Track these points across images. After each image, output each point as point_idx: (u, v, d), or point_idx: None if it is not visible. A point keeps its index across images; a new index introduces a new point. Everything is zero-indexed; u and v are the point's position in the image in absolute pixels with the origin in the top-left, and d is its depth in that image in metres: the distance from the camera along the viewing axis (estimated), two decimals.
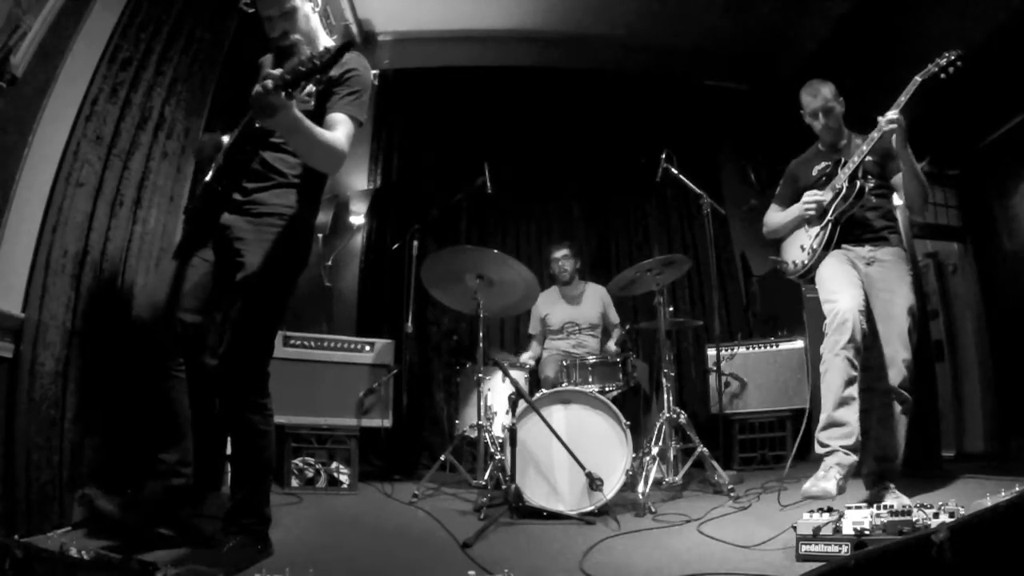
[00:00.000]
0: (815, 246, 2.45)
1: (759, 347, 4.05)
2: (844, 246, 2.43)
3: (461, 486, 3.19)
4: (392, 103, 5.01)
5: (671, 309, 3.48)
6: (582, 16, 4.68)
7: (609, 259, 5.08)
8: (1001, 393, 4.03)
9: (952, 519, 1.58)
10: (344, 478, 3.13)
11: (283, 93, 1.56)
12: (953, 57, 2.26)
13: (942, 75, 2.27)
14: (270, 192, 1.89)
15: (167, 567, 1.35)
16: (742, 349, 4.06)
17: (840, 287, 2.29)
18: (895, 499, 2.19)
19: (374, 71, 4.94)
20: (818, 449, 2.18)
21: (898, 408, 2.29)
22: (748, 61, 5.01)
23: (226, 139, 1.94)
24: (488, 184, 3.74)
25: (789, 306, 4.23)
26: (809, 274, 2.49)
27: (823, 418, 2.19)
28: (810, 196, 2.49)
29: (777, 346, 4.01)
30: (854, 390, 2.16)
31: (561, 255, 3.98)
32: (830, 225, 2.42)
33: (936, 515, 1.63)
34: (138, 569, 1.29)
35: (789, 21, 4.49)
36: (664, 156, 3.57)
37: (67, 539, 1.79)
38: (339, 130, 1.82)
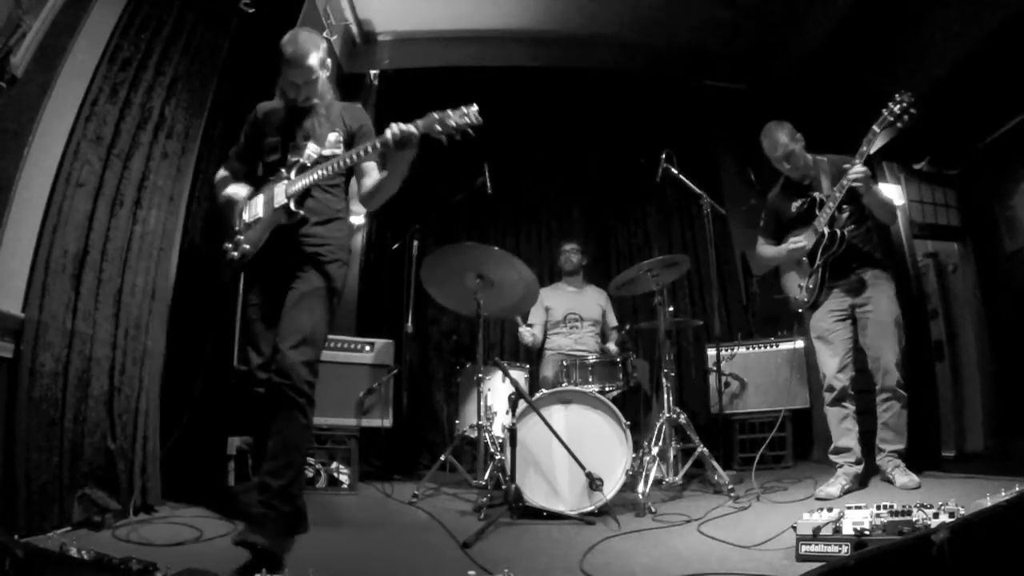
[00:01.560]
0: (811, 286, 2.86)
1: (759, 347, 4.05)
2: (835, 286, 2.80)
3: (461, 486, 3.19)
4: (392, 103, 5.00)
5: (671, 309, 3.47)
6: (581, 16, 4.67)
7: (609, 259, 5.09)
8: (1001, 393, 4.03)
9: (952, 519, 1.58)
10: (344, 478, 3.13)
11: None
12: (905, 104, 2.45)
13: (898, 124, 2.47)
14: (325, 226, 2.17)
15: (167, 567, 1.36)
16: (742, 349, 4.06)
17: (826, 352, 2.83)
18: (906, 476, 2.60)
19: (374, 71, 4.96)
20: (833, 463, 2.78)
21: (898, 404, 2.70)
22: (748, 61, 5.01)
23: (240, 191, 2.22)
24: (488, 184, 3.74)
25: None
26: (810, 309, 2.90)
27: (832, 445, 2.82)
28: (795, 245, 2.83)
29: (777, 346, 4.00)
30: (848, 423, 2.78)
31: (569, 247, 4.16)
32: (820, 269, 2.80)
33: (936, 515, 1.63)
34: (138, 569, 1.29)
35: (789, 21, 4.49)
36: (664, 156, 3.56)
37: (67, 539, 1.79)
38: (376, 175, 2.19)
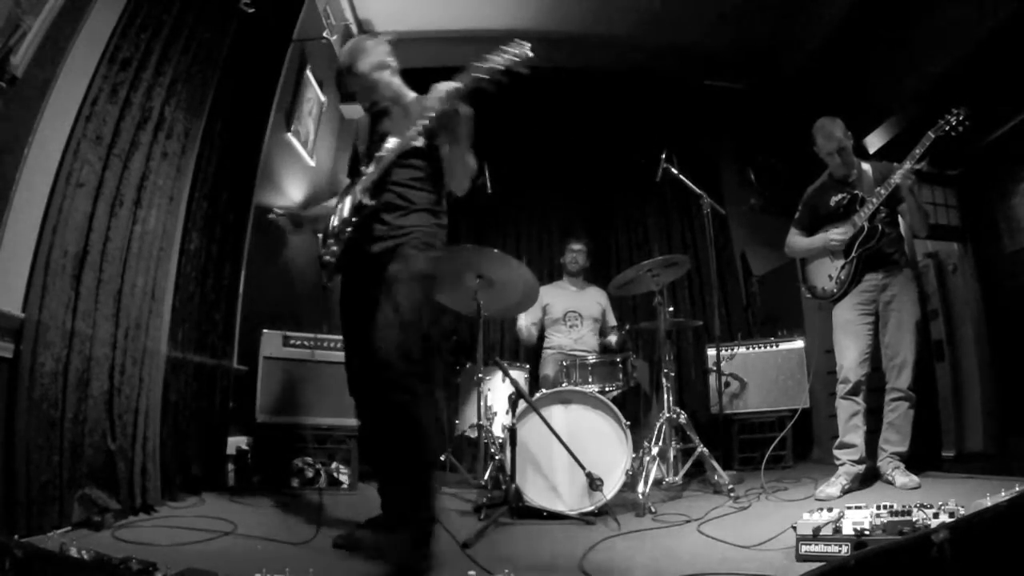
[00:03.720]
0: (842, 277, 2.88)
1: (759, 347, 4.05)
2: (864, 277, 2.84)
3: (461, 486, 3.19)
4: None
5: (671, 309, 3.48)
6: (582, 16, 4.68)
7: (609, 259, 5.09)
8: (1001, 393, 4.03)
9: (952, 519, 1.58)
10: (344, 478, 3.13)
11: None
12: (962, 116, 2.60)
13: (952, 133, 2.62)
14: (404, 216, 2.09)
15: (167, 567, 1.36)
16: (742, 349, 4.06)
17: (847, 343, 2.84)
18: (906, 476, 2.65)
19: None
20: (835, 461, 2.79)
21: (906, 405, 2.75)
22: (748, 61, 5.01)
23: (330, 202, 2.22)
24: (488, 184, 3.74)
25: (789, 306, 4.23)
26: (836, 300, 2.91)
27: (837, 440, 2.82)
28: (836, 234, 2.87)
29: (777, 346, 4.00)
30: (858, 419, 2.78)
31: (578, 248, 4.15)
32: (855, 260, 2.83)
33: (936, 515, 1.63)
34: (138, 569, 1.29)
35: (789, 21, 4.49)
36: (664, 156, 3.57)
37: (67, 539, 1.79)
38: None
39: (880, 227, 2.78)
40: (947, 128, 2.61)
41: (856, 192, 2.85)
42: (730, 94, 5.13)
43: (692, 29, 4.69)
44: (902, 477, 2.65)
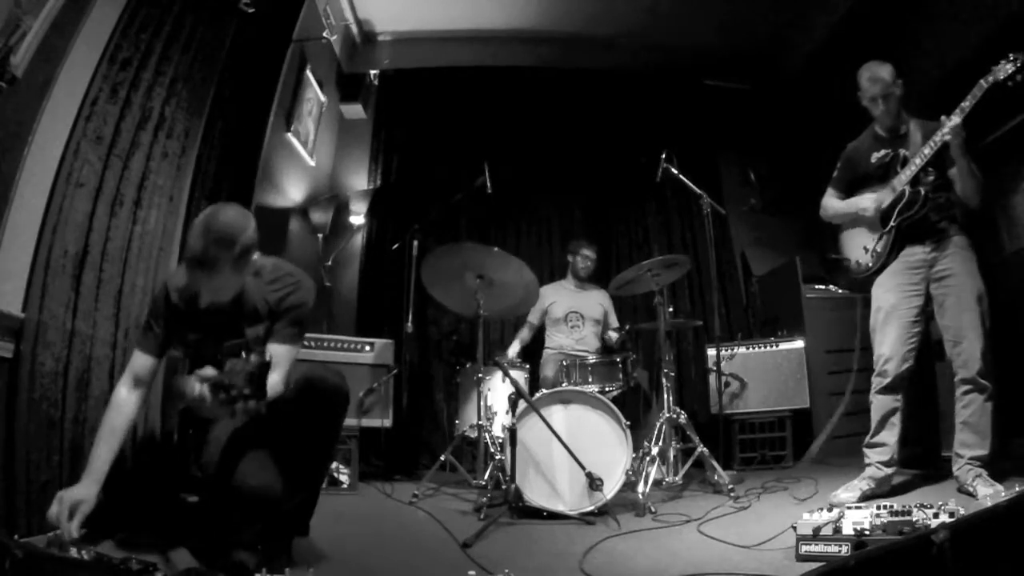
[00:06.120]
0: (879, 249, 2.54)
1: (759, 347, 4.05)
2: (907, 248, 2.50)
3: (461, 486, 3.19)
4: (392, 103, 5.01)
5: (671, 309, 3.47)
6: (582, 16, 4.68)
7: (609, 259, 5.08)
8: (1001, 393, 4.02)
9: (952, 519, 1.58)
10: (344, 478, 3.13)
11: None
12: (1020, 63, 2.21)
13: (1009, 83, 2.24)
14: None
15: (167, 567, 1.36)
16: (742, 349, 4.06)
17: (887, 329, 2.50)
18: (989, 486, 2.26)
19: (374, 71, 4.96)
20: (865, 460, 2.52)
21: (980, 398, 2.42)
22: (748, 61, 5.01)
23: None
24: (488, 184, 3.75)
25: (789, 306, 4.23)
26: (873, 276, 2.58)
27: (868, 438, 2.54)
28: (870, 200, 2.54)
29: (777, 346, 4.00)
30: (895, 418, 2.49)
31: (589, 252, 4.13)
32: (894, 231, 2.49)
33: (936, 515, 1.63)
34: (138, 569, 1.29)
35: (789, 21, 4.49)
36: (664, 156, 3.57)
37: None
38: (277, 371, 1.65)
39: (923, 192, 2.42)
40: (1002, 76, 2.22)
41: (900, 151, 2.50)
42: (730, 94, 5.14)
43: (692, 29, 4.70)
44: (985, 488, 2.26)
